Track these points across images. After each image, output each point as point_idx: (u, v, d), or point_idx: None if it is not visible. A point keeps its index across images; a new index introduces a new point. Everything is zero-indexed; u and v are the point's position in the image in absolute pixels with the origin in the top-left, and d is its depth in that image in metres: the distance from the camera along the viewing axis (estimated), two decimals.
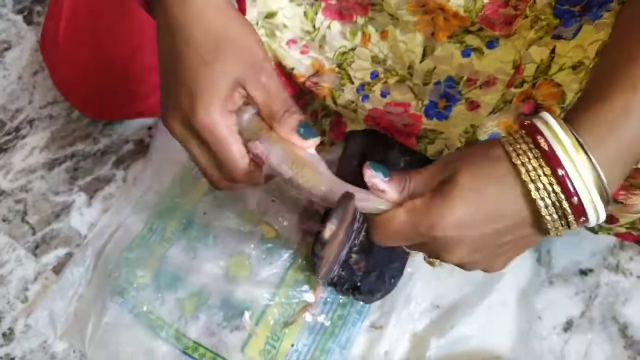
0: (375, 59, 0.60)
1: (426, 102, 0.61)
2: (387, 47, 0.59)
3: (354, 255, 0.65)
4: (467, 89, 0.58)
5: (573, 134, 0.33)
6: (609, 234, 0.59)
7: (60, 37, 0.68)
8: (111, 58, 0.68)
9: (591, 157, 0.32)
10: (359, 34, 0.59)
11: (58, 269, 0.72)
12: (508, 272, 0.70)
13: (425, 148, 0.64)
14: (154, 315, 0.68)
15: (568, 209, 0.33)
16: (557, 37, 0.52)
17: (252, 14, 0.63)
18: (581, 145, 0.32)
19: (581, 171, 0.32)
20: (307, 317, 0.68)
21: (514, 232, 0.35)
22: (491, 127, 0.57)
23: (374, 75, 0.61)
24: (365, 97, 0.62)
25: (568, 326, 0.69)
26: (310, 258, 0.69)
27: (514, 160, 0.33)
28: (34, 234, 0.75)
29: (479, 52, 0.56)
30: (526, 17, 0.52)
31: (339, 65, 0.62)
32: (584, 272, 0.72)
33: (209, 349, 0.67)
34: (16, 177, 0.78)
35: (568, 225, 0.34)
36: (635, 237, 0.57)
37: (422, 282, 0.69)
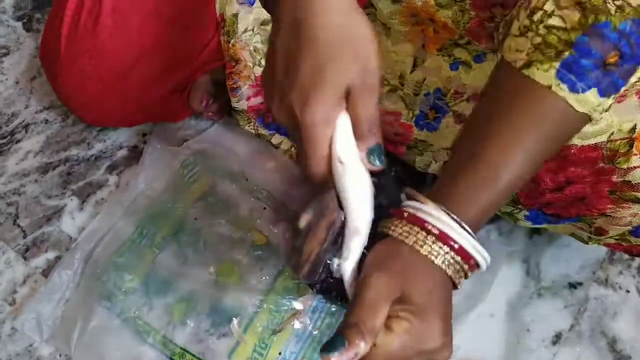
0: None
1: (417, 112, 0.62)
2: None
3: None
4: (454, 102, 0.59)
5: (447, 213, 0.40)
6: (599, 244, 0.59)
7: (62, 47, 0.69)
8: (111, 68, 0.69)
9: (464, 226, 0.40)
10: None
11: (47, 273, 0.72)
12: (497, 284, 0.70)
13: (414, 160, 0.65)
14: (141, 320, 0.68)
15: (465, 266, 0.41)
16: None
17: (248, 20, 0.64)
18: (456, 221, 0.40)
19: (462, 234, 0.40)
20: (296, 325, 0.68)
21: (446, 295, 0.42)
22: None
23: None
24: None
25: (557, 339, 0.69)
26: (288, 258, 0.68)
27: (422, 252, 0.40)
28: (24, 237, 0.75)
29: (466, 66, 0.57)
30: None
31: None
32: (573, 286, 0.72)
33: (196, 355, 0.67)
34: (9, 180, 0.78)
35: (465, 275, 0.42)
36: (625, 248, 0.57)
37: None
